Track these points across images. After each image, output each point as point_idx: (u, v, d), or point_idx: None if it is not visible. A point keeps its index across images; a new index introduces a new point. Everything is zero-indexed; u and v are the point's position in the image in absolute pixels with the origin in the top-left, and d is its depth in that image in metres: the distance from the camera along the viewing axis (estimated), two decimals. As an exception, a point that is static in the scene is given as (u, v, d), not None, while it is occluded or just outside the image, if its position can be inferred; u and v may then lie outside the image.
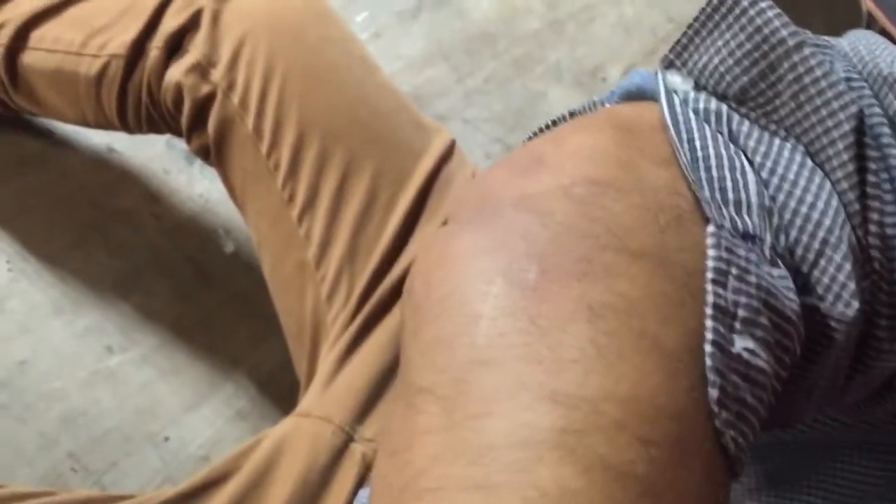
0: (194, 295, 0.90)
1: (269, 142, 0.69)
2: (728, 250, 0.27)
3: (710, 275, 0.26)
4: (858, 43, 0.36)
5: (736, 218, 0.28)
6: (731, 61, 0.32)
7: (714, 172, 0.29)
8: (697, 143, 0.30)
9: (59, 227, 0.89)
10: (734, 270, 0.26)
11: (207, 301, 0.90)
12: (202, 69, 0.70)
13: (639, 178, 0.28)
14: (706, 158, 0.29)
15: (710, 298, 0.26)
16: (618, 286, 0.25)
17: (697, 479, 0.24)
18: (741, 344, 0.26)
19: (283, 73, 0.69)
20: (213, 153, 0.73)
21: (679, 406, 0.24)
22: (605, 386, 0.24)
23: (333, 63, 0.70)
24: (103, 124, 0.80)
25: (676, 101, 0.31)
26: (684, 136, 0.30)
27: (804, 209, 0.30)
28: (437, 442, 0.24)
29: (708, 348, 0.25)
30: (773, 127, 0.32)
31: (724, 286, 0.26)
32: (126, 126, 0.78)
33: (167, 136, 0.90)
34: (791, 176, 0.30)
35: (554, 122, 0.35)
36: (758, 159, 0.31)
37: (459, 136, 1.10)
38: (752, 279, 0.27)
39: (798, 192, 0.30)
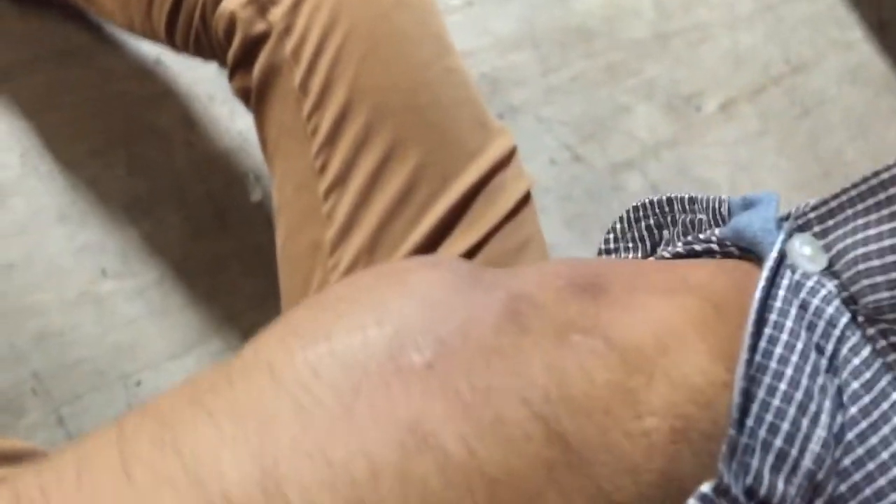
0: (207, 237, 0.84)
1: (313, 102, 0.62)
2: None
3: None
4: None
5: (765, 478, 0.21)
6: (876, 262, 0.24)
7: (776, 401, 0.21)
8: (776, 354, 0.22)
9: (85, 131, 0.83)
10: None
11: (219, 246, 0.84)
12: (261, 5, 0.63)
13: (663, 368, 0.21)
14: (776, 380, 0.21)
15: None
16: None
17: None
18: None
19: (346, 30, 0.61)
20: (254, 98, 0.66)
21: None
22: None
23: (403, 32, 0.62)
24: (149, 36, 0.73)
25: (785, 283, 0.23)
26: (763, 342, 0.22)
27: (882, 482, 0.21)
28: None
29: None
30: (893, 357, 0.23)
31: None
32: (172, 44, 0.71)
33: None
34: (886, 429, 0.22)
35: (636, 208, 0.29)
36: (851, 389, 0.22)
37: (529, 133, 1.01)
38: None
39: (885, 455, 0.22)
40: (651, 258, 0.32)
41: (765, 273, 0.23)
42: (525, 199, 0.63)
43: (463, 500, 0.19)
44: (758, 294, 0.23)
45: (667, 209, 0.33)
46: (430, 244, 0.61)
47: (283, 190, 0.66)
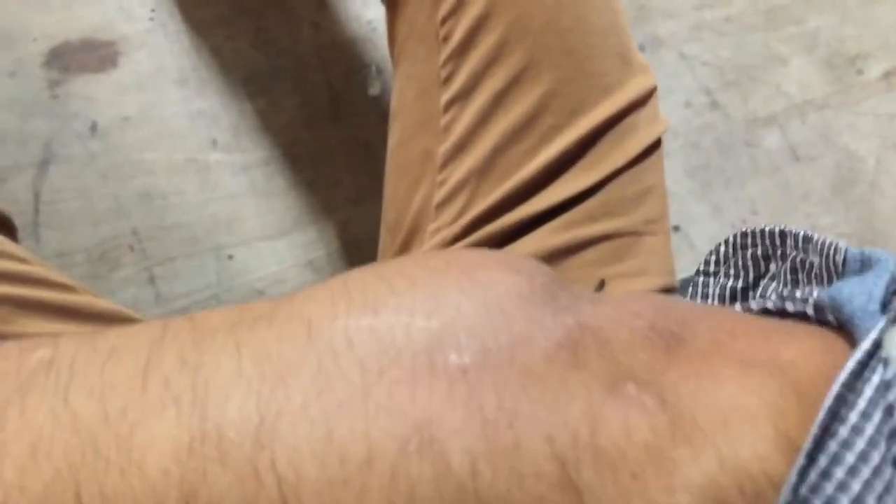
0: (318, 124, 0.82)
1: (450, 6, 0.58)
2: None
3: None
4: None
5: None
6: None
7: None
8: (847, 462, 0.19)
9: (217, -5, 0.82)
10: None
11: (329, 136, 0.82)
12: None
13: (716, 444, 0.19)
14: (840, 491, 0.19)
15: None
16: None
17: None
18: None
19: (497, -66, 0.56)
20: (389, -9, 0.63)
21: None
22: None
23: (558, -56, 0.57)
24: None
25: (875, 381, 0.20)
26: (834, 445, 0.19)
27: None
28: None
29: None
30: None
31: None
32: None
33: (358, -55, 0.80)
34: None
35: (762, 232, 0.26)
36: None
37: (669, 70, 0.94)
38: None
39: None
40: (739, 307, 0.29)
41: (850, 364, 0.20)
42: (655, 145, 0.58)
43: None
44: (835, 389, 0.20)
45: (778, 242, 0.30)
46: (545, 178, 0.57)
47: (403, 94, 0.63)
